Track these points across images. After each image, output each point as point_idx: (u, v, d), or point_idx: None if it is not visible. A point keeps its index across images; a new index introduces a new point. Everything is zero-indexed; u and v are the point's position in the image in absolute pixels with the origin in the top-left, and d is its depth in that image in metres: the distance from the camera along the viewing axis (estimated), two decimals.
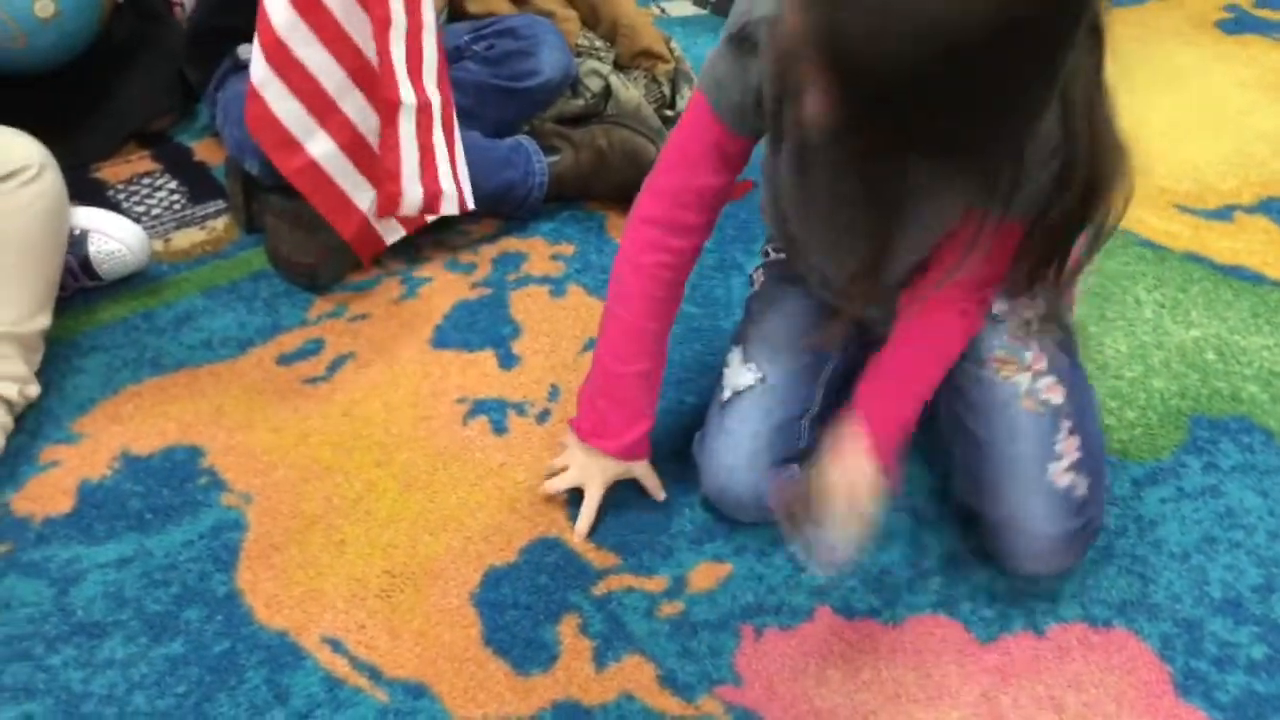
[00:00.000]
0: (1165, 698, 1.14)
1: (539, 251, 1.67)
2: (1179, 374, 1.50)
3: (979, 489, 1.23)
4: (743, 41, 1.07)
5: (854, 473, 1.10)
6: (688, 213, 1.17)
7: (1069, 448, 1.20)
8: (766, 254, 1.39)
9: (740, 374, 1.28)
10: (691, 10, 2.27)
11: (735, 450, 1.24)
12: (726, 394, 1.27)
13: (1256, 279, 1.66)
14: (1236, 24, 2.31)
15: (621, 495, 1.29)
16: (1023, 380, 1.20)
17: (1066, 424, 1.20)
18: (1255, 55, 2.21)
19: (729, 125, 1.12)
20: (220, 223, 1.68)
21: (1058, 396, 1.21)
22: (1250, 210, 1.80)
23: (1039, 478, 1.18)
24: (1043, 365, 1.22)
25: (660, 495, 1.30)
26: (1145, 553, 1.28)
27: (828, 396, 1.29)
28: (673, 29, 2.19)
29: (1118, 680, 1.15)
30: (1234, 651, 1.18)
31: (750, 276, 1.40)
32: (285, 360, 1.47)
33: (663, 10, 2.26)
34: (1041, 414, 1.20)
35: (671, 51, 1.86)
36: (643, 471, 1.29)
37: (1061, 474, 1.18)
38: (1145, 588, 1.24)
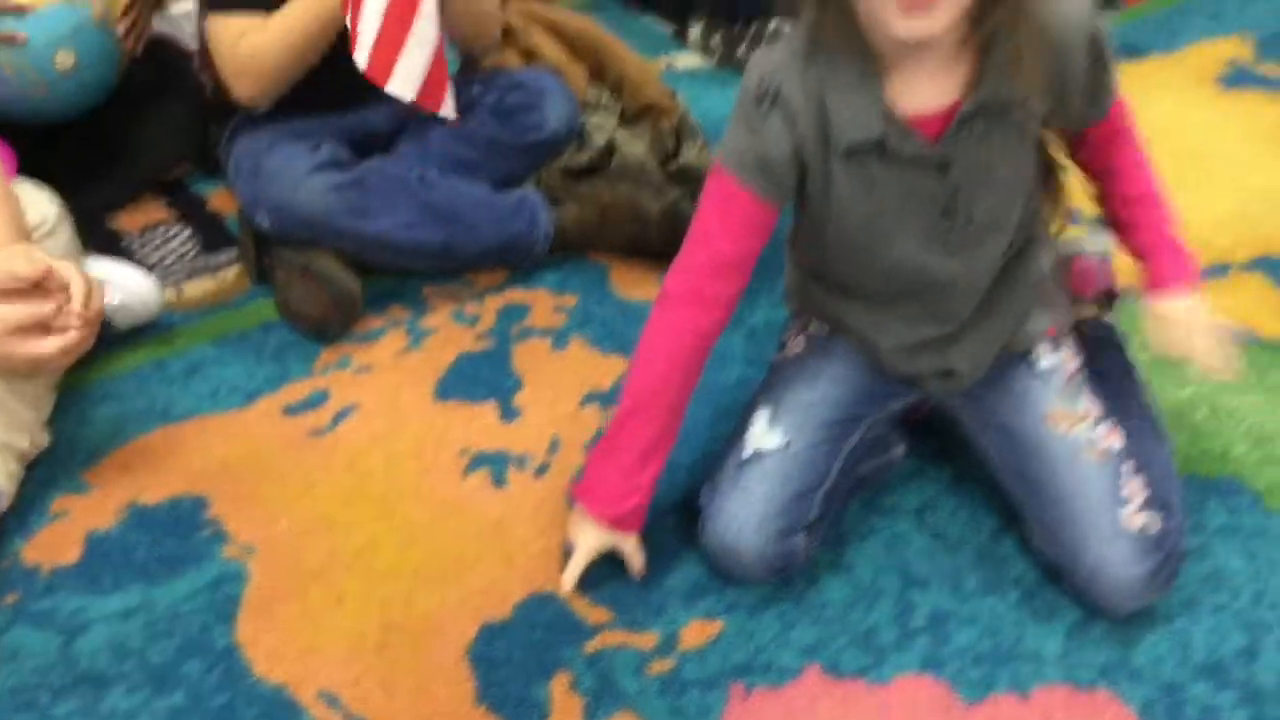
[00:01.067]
0: None
1: (542, 303, 1.70)
2: (1171, 433, 1.52)
3: (1059, 544, 1.28)
4: (763, 98, 1.11)
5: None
6: (716, 283, 1.21)
7: (1135, 490, 1.26)
8: (793, 328, 1.40)
9: (766, 436, 1.29)
10: (699, 63, 2.30)
11: (748, 509, 1.26)
12: (747, 452, 1.29)
13: (1249, 338, 1.68)
14: (1236, 79, 2.33)
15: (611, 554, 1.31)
16: (1082, 432, 1.27)
17: (1128, 465, 1.27)
18: (1254, 110, 2.23)
19: (756, 190, 1.16)
20: (232, 272, 1.72)
21: (1118, 441, 1.28)
22: (1245, 268, 1.82)
23: (1114, 525, 1.24)
24: (1097, 411, 1.29)
25: (638, 573, 1.31)
26: (1129, 616, 1.30)
27: (844, 472, 1.31)
28: (680, 82, 2.23)
29: None
30: (1215, 715, 1.20)
31: (782, 341, 1.41)
32: (291, 411, 1.50)
33: (670, 64, 2.30)
34: (1105, 462, 1.26)
35: (676, 105, 1.90)
36: (630, 548, 1.29)
37: (1133, 516, 1.24)
38: (1128, 650, 1.26)
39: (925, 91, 1.09)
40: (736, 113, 1.15)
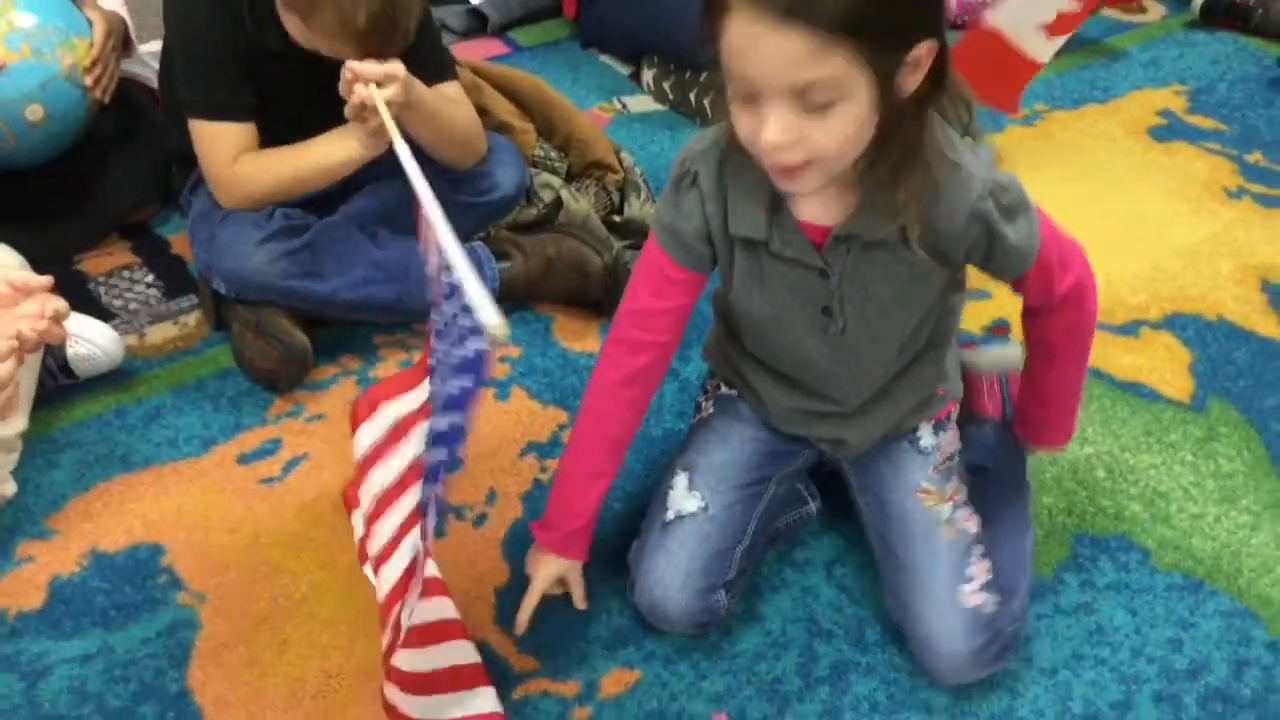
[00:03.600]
0: None
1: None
2: (1069, 490, 1.63)
3: (902, 608, 1.38)
4: (682, 178, 1.21)
5: None
6: (645, 333, 1.32)
7: (980, 571, 1.35)
8: (707, 390, 1.50)
9: (685, 500, 1.39)
10: (651, 105, 2.39)
11: (672, 570, 1.36)
12: (670, 515, 1.39)
13: (1153, 396, 1.79)
14: (1168, 131, 2.43)
15: (546, 600, 1.41)
16: (944, 510, 1.36)
17: (980, 549, 1.36)
18: (1181, 164, 2.33)
19: (672, 256, 1.27)
20: (192, 318, 1.81)
21: (973, 525, 1.37)
22: (1156, 326, 1.92)
23: (951, 599, 1.33)
24: (961, 496, 1.38)
25: (581, 604, 1.42)
26: (1017, 667, 1.40)
27: (759, 530, 1.41)
28: (632, 125, 2.33)
29: None
30: None
31: (697, 403, 1.51)
32: (244, 460, 1.59)
33: (624, 106, 2.39)
34: (957, 541, 1.36)
35: (621, 162, 1.99)
36: (574, 577, 1.41)
37: (972, 594, 1.33)
38: (1013, 701, 1.37)
39: (813, 207, 1.18)
40: (666, 185, 1.25)
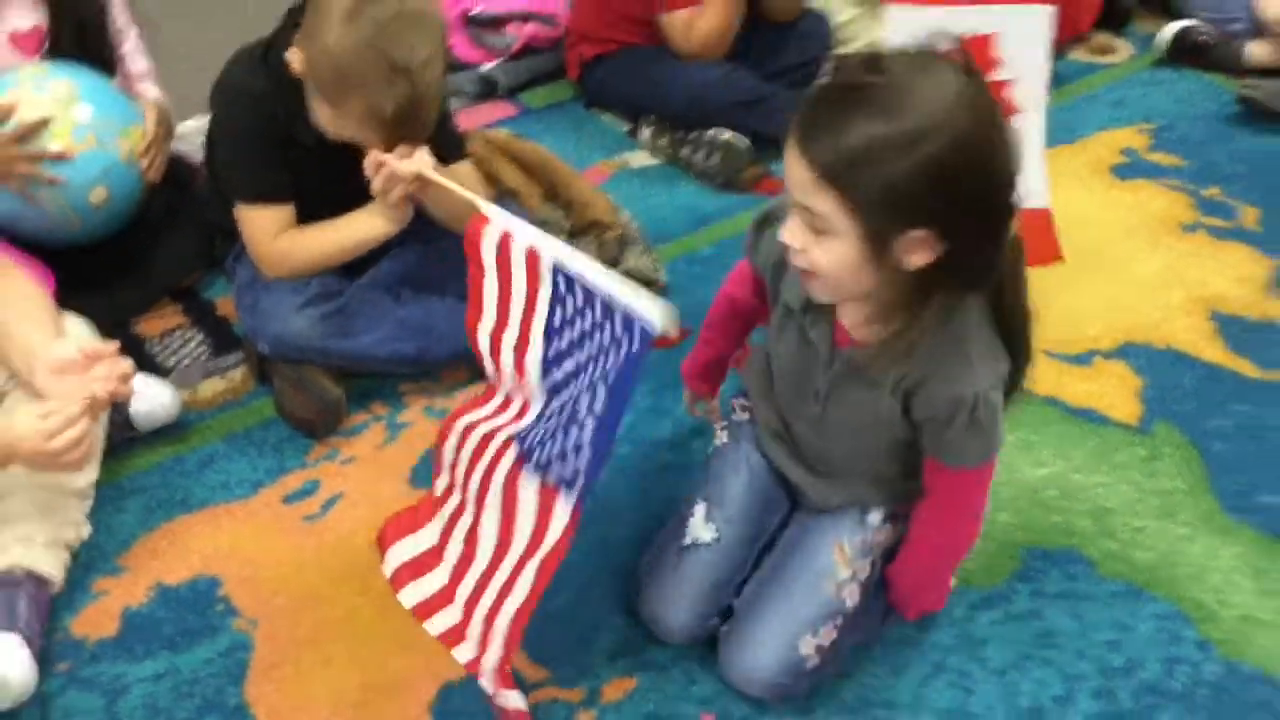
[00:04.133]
0: None
1: None
2: (1023, 509, 1.82)
3: (748, 610, 1.52)
4: (768, 219, 1.43)
5: None
6: (737, 293, 1.63)
7: (828, 636, 1.49)
8: (734, 409, 1.69)
9: (702, 529, 1.58)
10: (649, 161, 2.60)
11: (679, 593, 1.55)
12: (687, 540, 1.58)
13: (1103, 421, 1.97)
14: (1130, 169, 2.61)
15: (557, 609, 1.60)
16: (843, 572, 1.51)
17: (842, 622, 1.50)
18: (1143, 201, 2.51)
19: (750, 260, 1.52)
20: (239, 373, 2.02)
21: (853, 600, 1.51)
22: (1108, 355, 2.10)
23: (792, 634, 1.48)
24: (863, 577, 1.53)
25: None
26: (971, 668, 1.59)
27: (756, 561, 1.59)
28: (631, 179, 2.54)
29: None
30: None
31: (714, 430, 1.71)
32: (289, 500, 1.81)
33: (625, 162, 2.60)
34: (833, 601, 1.50)
35: (619, 220, 2.20)
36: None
37: (807, 644, 1.48)
38: (967, 698, 1.56)
39: (848, 316, 1.37)
40: (765, 207, 1.47)
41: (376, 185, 1.76)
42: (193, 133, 2.28)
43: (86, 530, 1.68)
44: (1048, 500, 1.83)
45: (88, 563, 1.69)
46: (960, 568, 1.64)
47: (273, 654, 1.59)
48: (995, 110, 1.20)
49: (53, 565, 1.60)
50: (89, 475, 1.69)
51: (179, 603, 1.65)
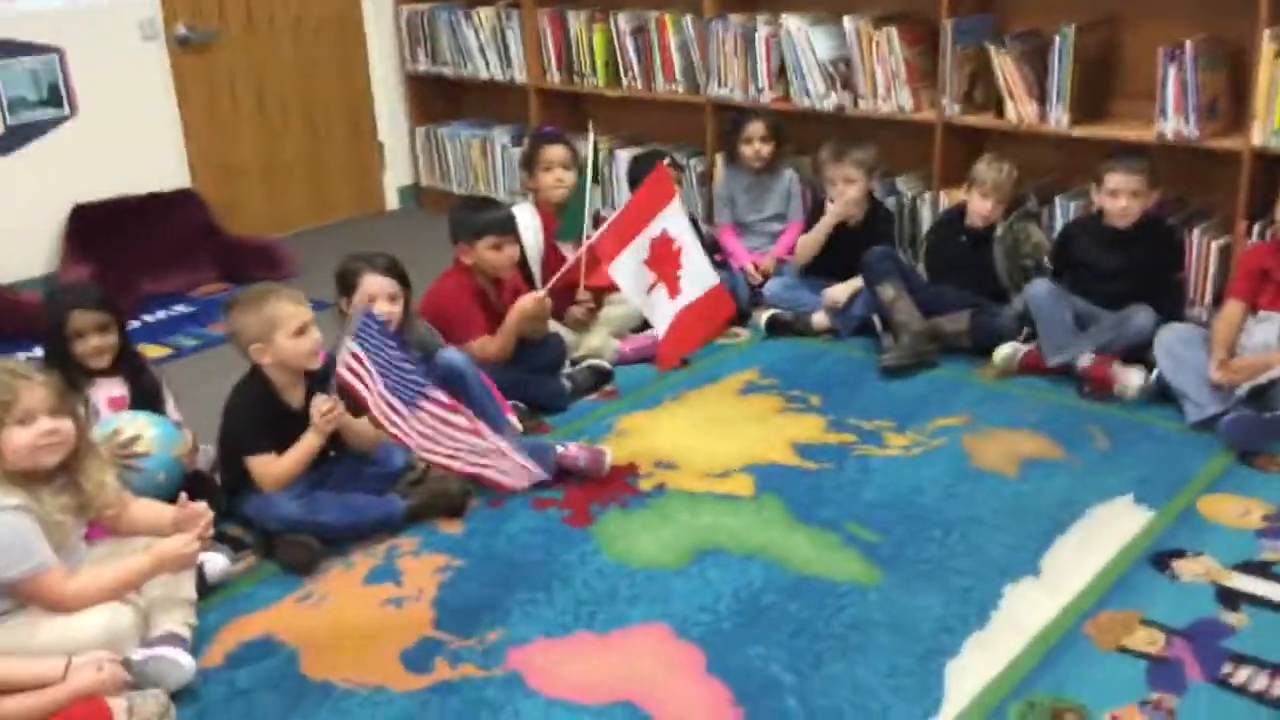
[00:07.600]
0: None
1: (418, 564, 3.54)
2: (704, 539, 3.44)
3: None
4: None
5: None
6: None
7: None
8: None
9: None
10: None
11: None
12: None
13: (734, 498, 3.65)
14: (749, 388, 4.42)
15: None
16: None
17: None
18: (755, 403, 4.27)
19: None
20: (250, 558, 3.49)
21: None
22: (740, 470, 3.78)
23: None
24: None
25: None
26: None
27: None
28: None
29: None
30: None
31: None
32: (300, 601, 3.25)
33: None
34: None
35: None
36: None
37: None
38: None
39: None
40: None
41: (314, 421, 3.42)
42: (202, 454, 3.83)
43: (195, 619, 3.09)
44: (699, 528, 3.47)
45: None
46: None
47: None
48: None
49: (188, 634, 3.01)
50: (191, 592, 3.12)
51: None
